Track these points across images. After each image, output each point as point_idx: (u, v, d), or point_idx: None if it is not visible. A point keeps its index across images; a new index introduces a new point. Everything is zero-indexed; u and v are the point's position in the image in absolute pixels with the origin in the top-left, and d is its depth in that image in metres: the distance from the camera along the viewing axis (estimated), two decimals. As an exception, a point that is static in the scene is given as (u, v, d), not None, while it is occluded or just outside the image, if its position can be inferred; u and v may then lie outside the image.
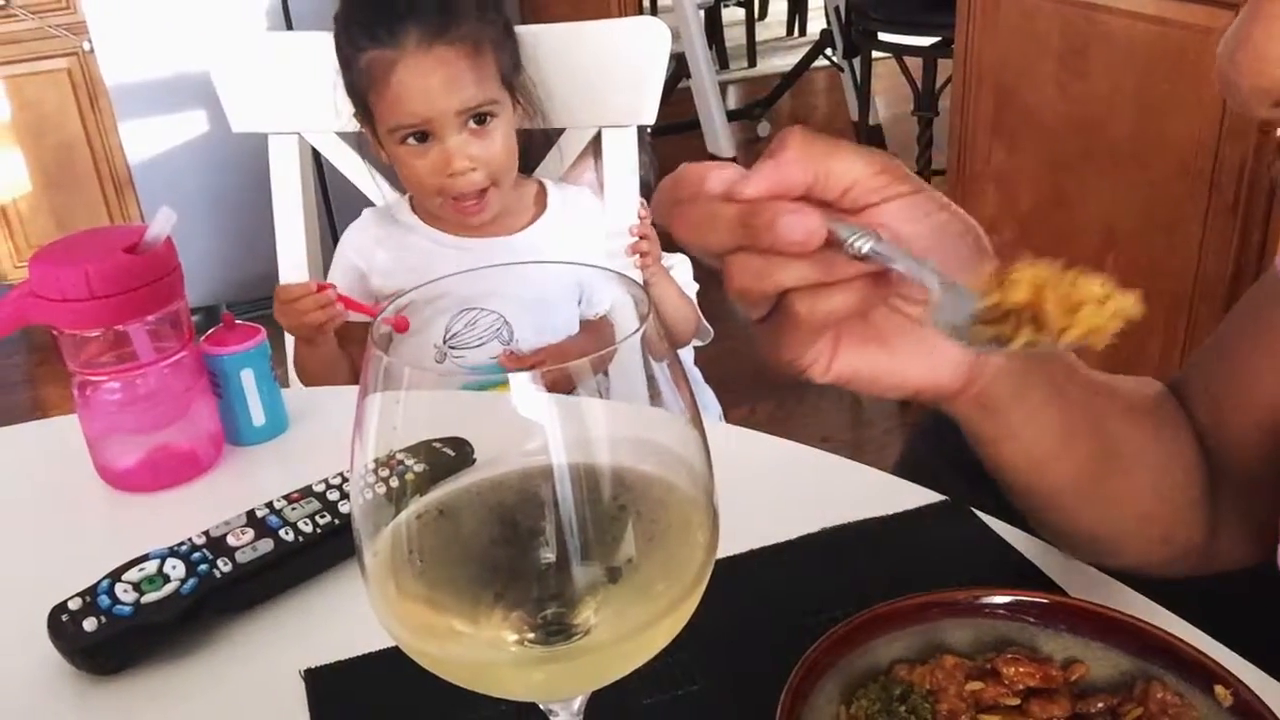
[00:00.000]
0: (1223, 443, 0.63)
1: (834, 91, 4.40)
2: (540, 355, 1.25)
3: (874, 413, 2.48)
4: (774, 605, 0.62)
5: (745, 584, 0.63)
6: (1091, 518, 0.59)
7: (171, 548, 0.65)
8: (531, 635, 0.38)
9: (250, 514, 0.68)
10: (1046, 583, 0.62)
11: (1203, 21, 1.51)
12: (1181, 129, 1.59)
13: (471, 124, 1.19)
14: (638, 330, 0.38)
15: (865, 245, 0.40)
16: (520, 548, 0.39)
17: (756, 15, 5.18)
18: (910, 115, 2.96)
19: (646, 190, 1.35)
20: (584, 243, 1.31)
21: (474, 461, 0.42)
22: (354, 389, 0.39)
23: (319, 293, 1.18)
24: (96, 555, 0.65)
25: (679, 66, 3.44)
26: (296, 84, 1.30)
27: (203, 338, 0.82)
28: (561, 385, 0.37)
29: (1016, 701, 0.49)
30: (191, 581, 0.63)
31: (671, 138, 3.60)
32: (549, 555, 0.38)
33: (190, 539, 0.66)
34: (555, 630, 0.38)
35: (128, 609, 0.61)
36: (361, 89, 1.20)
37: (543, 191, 1.33)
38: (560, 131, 1.32)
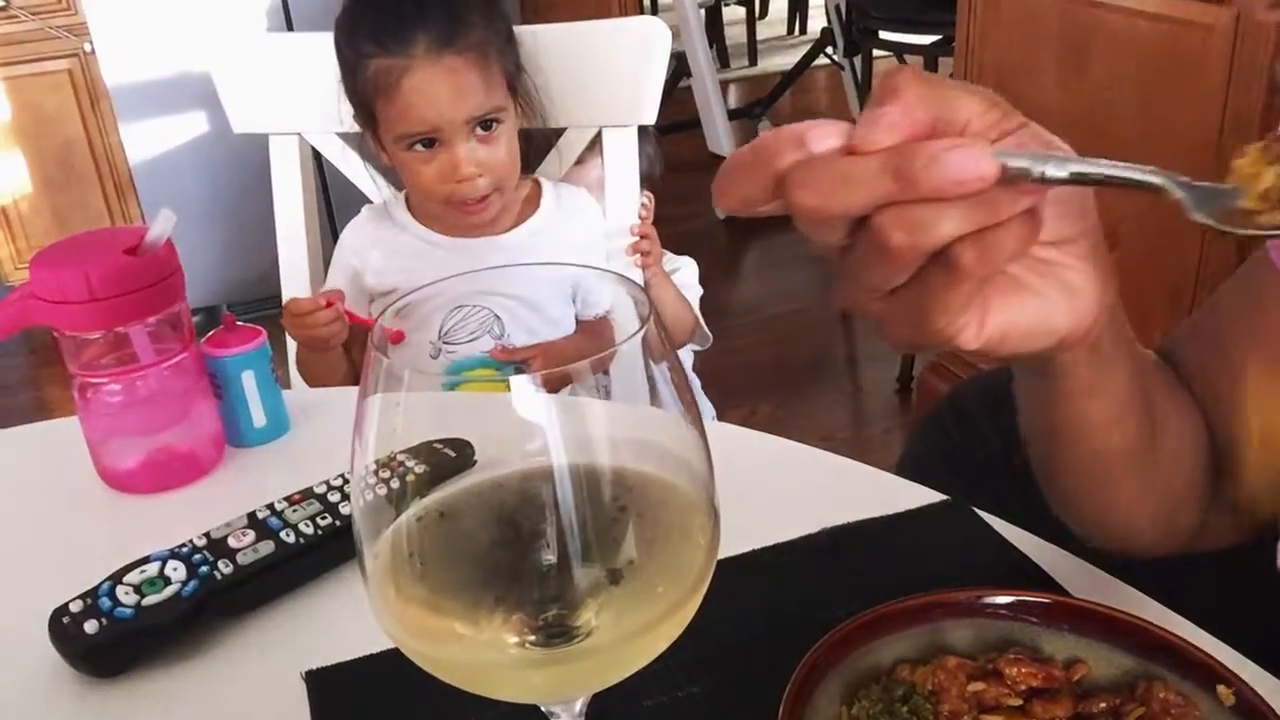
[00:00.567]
0: (1215, 428, 0.63)
1: (835, 90, 4.40)
2: (533, 351, 1.25)
3: (874, 412, 2.48)
4: (775, 606, 0.62)
5: (746, 585, 0.63)
6: (1133, 490, 0.59)
7: (172, 550, 0.65)
8: (532, 637, 0.38)
9: (251, 516, 0.68)
10: (1048, 582, 0.62)
11: (1203, 18, 1.51)
12: (1184, 125, 1.59)
13: (479, 130, 1.19)
14: (639, 331, 0.38)
15: (1062, 170, 0.37)
16: (521, 550, 0.39)
17: (757, 14, 5.18)
18: (911, 113, 2.96)
19: (651, 184, 1.35)
20: (578, 242, 1.31)
21: (475, 462, 0.42)
22: (354, 389, 0.39)
23: (328, 308, 1.18)
24: (97, 557, 0.65)
25: (680, 65, 3.44)
26: (297, 85, 1.30)
27: (203, 339, 0.82)
28: (557, 384, 0.37)
29: (1019, 702, 0.49)
30: (193, 583, 0.63)
31: (672, 137, 3.60)
32: (550, 557, 0.38)
33: (191, 541, 0.66)
34: (556, 632, 0.38)
35: (129, 611, 0.61)
36: (367, 95, 1.20)
37: (537, 190, 1.33)
38: (560, 131, 1.32)
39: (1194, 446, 0.63)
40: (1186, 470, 0.62)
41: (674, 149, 3.68)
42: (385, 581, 0.39)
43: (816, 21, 4.89)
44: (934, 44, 2.74)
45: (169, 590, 0.62)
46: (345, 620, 0.64)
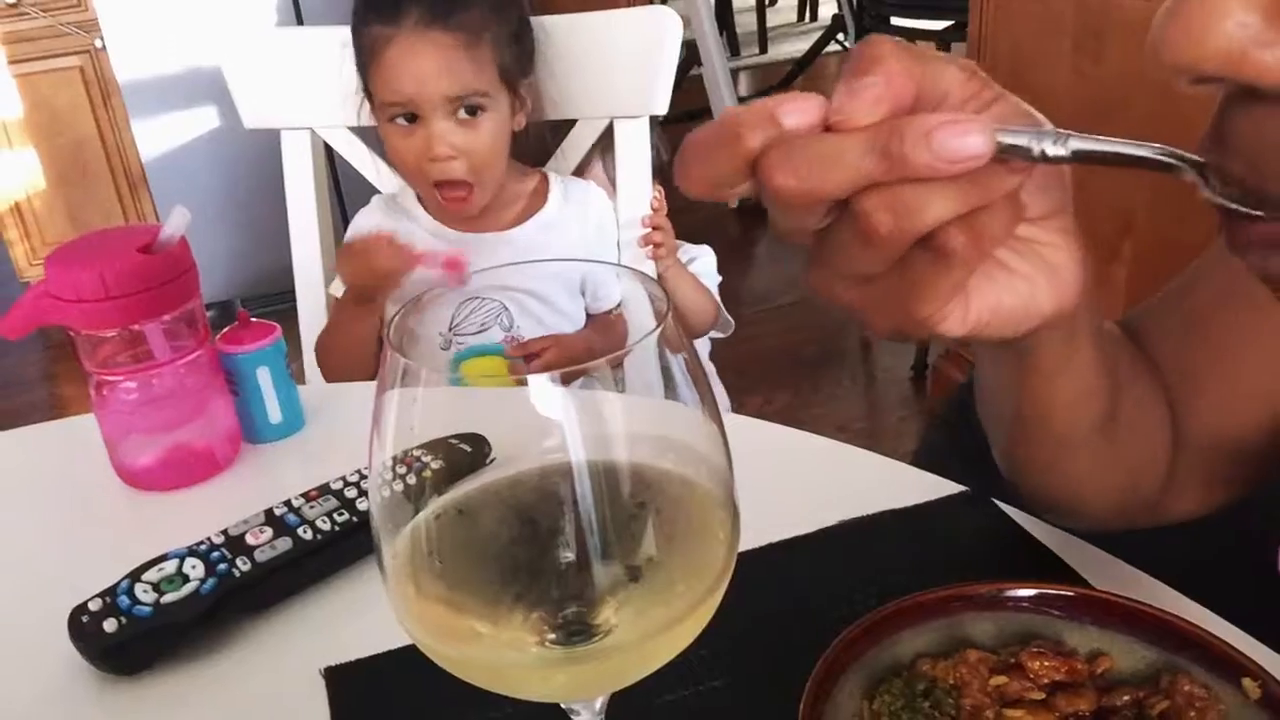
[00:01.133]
0: (1191, 407, 0.62)
1: (846, 77, 4.38)
2: (544, 342, 1.25)
3: (889, 401, 2.47)
4: (794, 600, 0.62)
5: (765, 578, 0.63)
6: (1094, 463, 0.58)
7: (190, 547, 0.65)
8: (552, 636, 0.37)
9: (268, 512, 0.68)
10: (1069, 575, 0.61)
11: (1220, 2, 1.50)
12: (1199, 112, 1.57)
13: (461, 113, 1.19)
14: (657, 328, 0.37)
15: (1063, 147, 0.34)
16: (540, 547, 0.39)
17: (767, 1, 5.15)
18: (923, 100, 2.94)
19: (662, 175, 1.35)
20: (588, 235, 1.31)
21: (491, 458, 0.42)
22: (368, 386, 0.39)
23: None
24: (115, 555, 0.65)
25: (690, 54, 3.43)
26: (308, 79, 1.30)
27: (218, 336, 0.82)
28: (570, 379, 0.36)
29: (1041, 696, 0.48)
30: (211, 581, 0.63)
31: (683, 125, 3.58)
32: (569, 554, 0.37)
33: (209, 538, 0.66)
34: (576, 631, 0.37)
35: (147, 609, 0.61)
36: (362, 64, 1.22)
37: (545, 185, 1.32)
38: (571, 123, 1.31)
39: (1155, 419, 0.62)
40: (1146, 443, 0.62)
41: (684, 138, 3.67)
42: (404, 579, 0.39)
43: (827, 8, 4.87)
44: (947, 30, 2.72)
45: (187, 588, 0.62)
46: (363, 616, 0.64)
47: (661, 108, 1.24)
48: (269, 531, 0.66)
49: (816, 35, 4.09)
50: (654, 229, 1.31)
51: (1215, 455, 0.63)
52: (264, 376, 0.82)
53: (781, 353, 2.63)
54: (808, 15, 5.29)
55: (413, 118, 1.19)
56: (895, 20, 2.84)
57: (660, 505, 0.39)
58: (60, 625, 0.61)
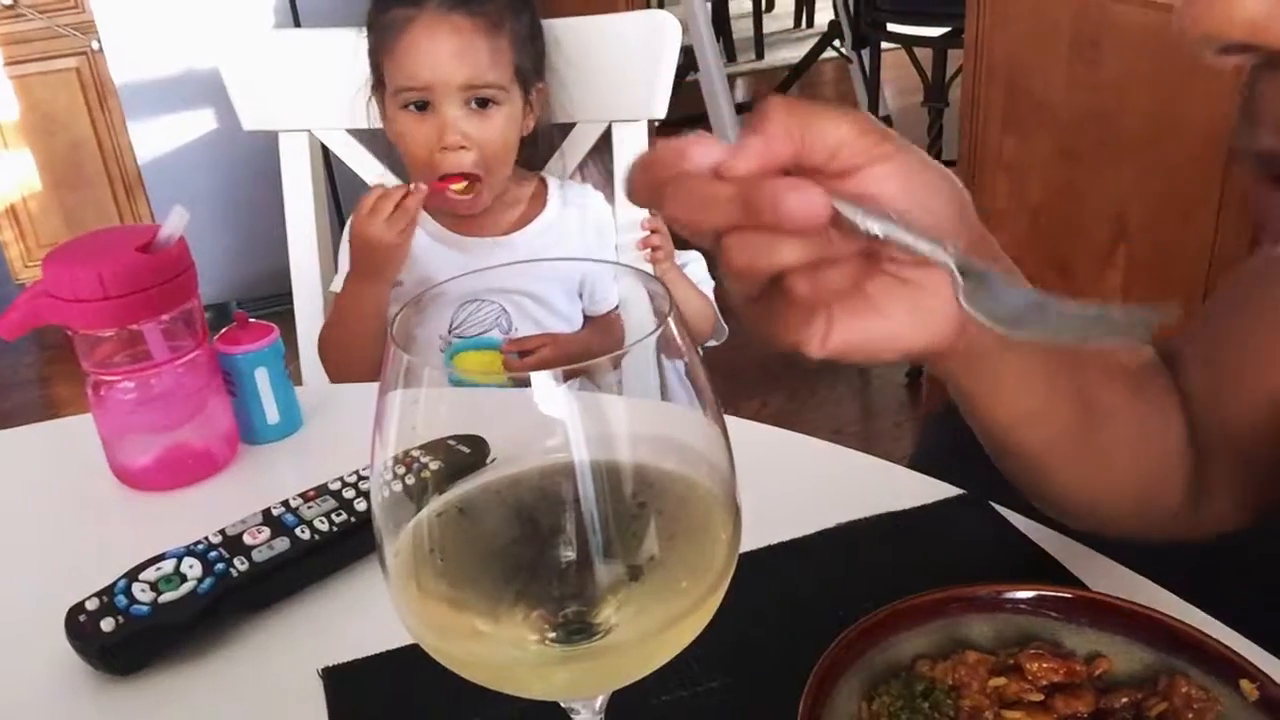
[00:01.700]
0: (1220, 414, 0.63)
1: (842, 83, 4.39)
2: (541, 339, 1.25)
3: (885, 404, 2.47)
4: (793, 601, 0.62)
5: (763, 580, 0.63)
6: (1070, 478, 0.59)
7: (188, 547, 0.65)
8: (553, 634, 0.38)
9: (266, 512, 0.68)
10: (1067, 576, 0.61)
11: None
12: (1195, 118, 1.58)
13: (474, 104, 1.19)
14: (658, 328, 0.37)
15: (876, 227, 0.40)
16: (541, 546, 0.39)
17: (764, 7, 5.16)
18: (920, 106, 2.95)
19: None
20: (586, 239, 1.31)
21: (491, 459, 0.42)
22: (366, 386, 0.39)
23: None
24: (113, 555, 0.65)
25: (687, 59, 3.43)
26: (306, 81, 1.30)
27: (216, 337, 0.82)
28: (568, 379, 0.36)
29: (1040, 697, 0.49)
30: (209, 581, 0.63)
31: (680, 130, 3.58)
32: (570, 553, 0.37)
33: (207, 538, 0.66)
34: (577, 629, 0.38)
35: (145, 609, 0.61)
36: (377, 49, 1.21)
37: (543, 189, 1.32)
38: (570, 126, 1.31)
39: (1164, 435, 0.62)
40: (1152, 459, 0.62)
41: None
42: (407, 578, 0.39)
43: (824, 14, 4.87)
44: (943, 36, 2.73)
45: (185, 588, 0.62)
46: (361, 616, 0.64)
47: (660, 111, 1.24)
48: (267, 531, 0.66)
49: (813, 41, 4.09)
50: (652, 232, 1.31)
51: (1245, 469, 0.63)
52: (262, 377, 0.82)
53: (777, 357, 2.61)
54: (804, 21, 5.30)
55: (424, 106, 1.19)
56: (891, 26, 2.85)
57: (661, 505, 0.39)
58: (57, 624, 0.61)
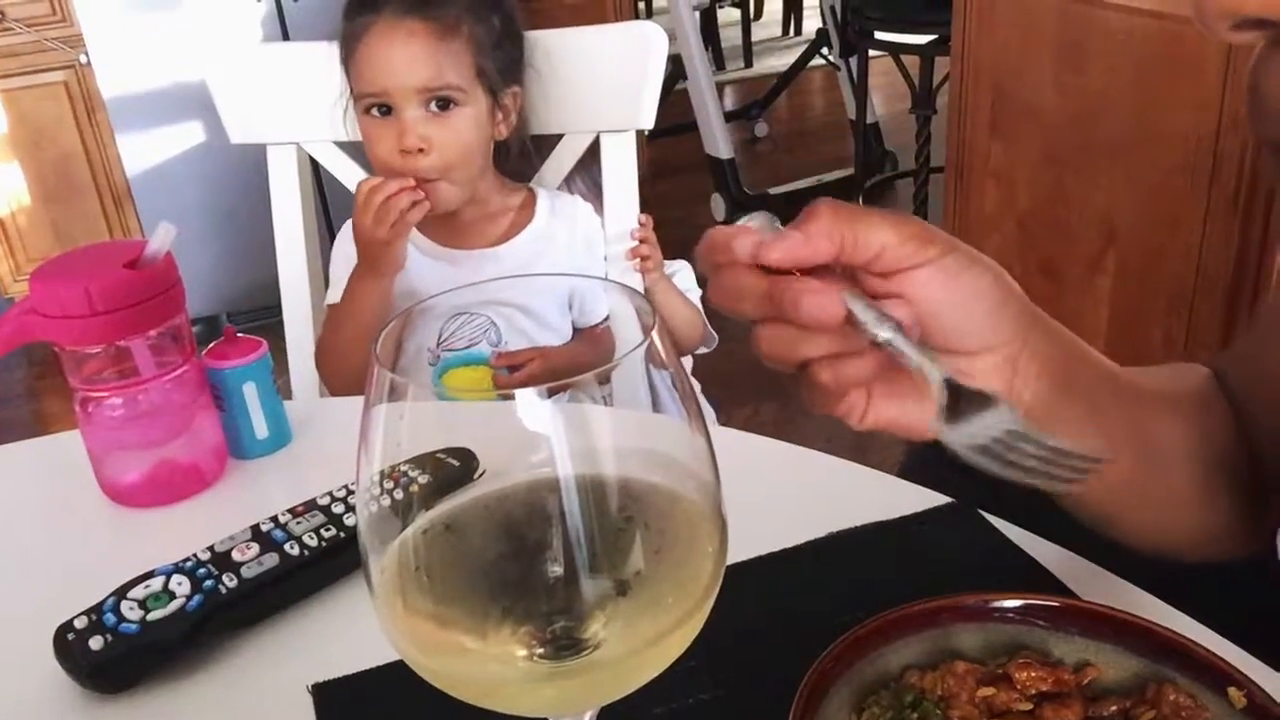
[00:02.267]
0: (1260, 434, 0.63)
1: (831, 90, 4.41)
2: (529, 353, 1.25)
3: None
4: (783, 612, 0.62)
5: (754, 591, 0.63)
6: (1135, 521, 0.60)
7: (177, 564, 0.65)
8: (541, 650, 0.37)
9: (255, 528, 0.68)
10: (1055, 585, 0.62)
11: (1200, 15, 1.51)
12: (1181, 123, 1.59)
13: (433, 106, 1.19)
14: (644, 342, 0.37)
15: (883, 335, 0.44)
16: (527, 561, 0.39)
17: (752, 15, 5.19)
18: (908, 113, 2.96)
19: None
20: (575, 249, 1.31)
21: (480, 471, 0.42)
22: (356, 400, 0.39)
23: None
24: (101, 572, 0.65)
25: (675, 68, 3.44)
26: (294, 94, 1.30)
27: (204, 351, 0.82)
28: (557, 393, 0.36)
29: (1029, 706, 0.49)
30: (197, 598, 0.62)
31: (669, 139, 3.60)
32: (557, 569, 0.37)
33: (195, 555, 0.66)
34: (565, 645, 0.37)
35: (134, 627, 0.61)
36: (345, 59, 1.22)
37: (531, 199, 1.32)
38: (557, 138, 1.31)
39: (1225, 454, 0.63)
40: (1212, 484, 0.63)
41: (671, 151, 3.69)
42: (392, 595, 0.39)
43: (812, 22, 4.90)
44: (930, 43, 2.74)
45: (174, 605, 0.62)
46: (351, 632, 0.64)
47: (648, 122, 1.24)
48: (256, 548, 0.66)
49: (801, 49, 4.11)
50: (641, 242, 1.31)
51: None
52: (250, 392, 0.82)
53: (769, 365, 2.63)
54: (792, 29, 5.32)
55: (387, 111, 1.20)
56: (879, 34, 2.86)
57: (648, 519, 0.39)
58: (45, 643, 0.61)
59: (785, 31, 5.34)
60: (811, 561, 0.66)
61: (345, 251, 1.30)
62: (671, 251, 1.49)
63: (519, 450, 0.38)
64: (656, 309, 0.39)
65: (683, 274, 1.58)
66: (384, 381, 0.37)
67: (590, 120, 1.27)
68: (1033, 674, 0.49)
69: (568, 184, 1.37)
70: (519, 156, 1.31)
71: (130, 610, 0.61)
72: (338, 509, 0.70)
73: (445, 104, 1.19)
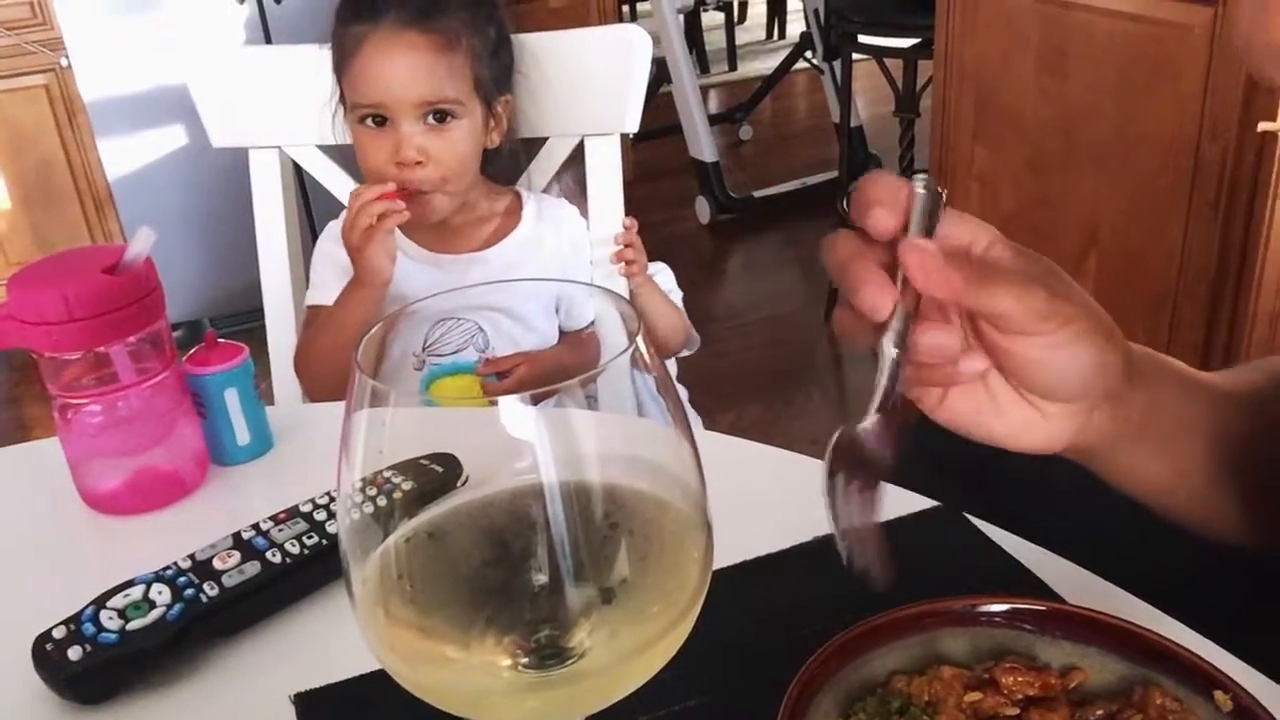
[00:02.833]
0: None
1: (815, 94, 4.41)
2: (516, 359, 1.24)
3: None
4: (769, 618, 0.62)
5: (739, 597, 0.63)
6: (1219, 526, 0.61)
7: (157, 572, 0.64)
8: (525, 660, 0.37)
9: (236, 536, 0.67)
10: (1042, 589, 0.61)
11: (1182, 19, 1.52)
12: (1163, 127, 1.60)
13: (431, 119, 1.18)
14: (628, 348, 0.37)
15: (886, 350, 0.48)
16: (511, 570, 0.38)
17: (736, 19, 5.19)
18: (892, 116, 2.96)
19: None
20: (562, 253, 1.30)
21: (464, 478, 0.41)
22: (338, 406, 0.38)
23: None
24: (80, 581, 0.64)
25: (660, 71, 3.44)
26: (276, 98, 1.29)
27: (185, 357, 0.81)
28: (542, 399, 0.36)
29: (1015, 711, 0.48)
30: (178, 607, 0.62)
31: (653, 142, 3.60)
32: (541, 577, 0.37)
33: (176, 563, 0.65)
34: (549, 654, 0.37)
35: (113, 636, 0.60)
36: (338, 65, 1.21)
37: (518, 203, 1.32)
38: (542, 141, 1.31)
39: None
40: None
41: (655, 154, 3.69)
42: (374, 605, 0.38)
43: (795, 26, 4.91)
44: (913, 47, 2.74)
45: (154, 614, 0.61)
46: (334, 641, 0.63)
47: (632, 125, 1.24)
48: (237, 555, 0.66)
49: (785, 53, 4.11)
50: (626, 246, 1.30)
51: None
52: (231, 398, 0.82)
53: (753, 367, 2.64)
54: (776, 33, 5.32)
55: (382, 121, 1.19)
56: (862, 38, 2.86)
57: (633, 526, 0.39)
58: (24, 653, 0.60)
59: (769, 35, 5.35)
60: (798, 566, 0.66)
61: (326, 250, 1.29)
62: (657, 253, 1.49)
63: (503, 457, 0.38)
64: (641, 313, 0.39)
65: (662, 275, 1.57)
66: (365, 387, 0.37)
67: (575, 123, 1.27)
68: (1019, 678, 0.49)
69: (554, 187, 1.37)
70: (508, 161, 1.31)
71: (110, 620, 0.61)
72: (320, 516, 0.69)
73: (443, 117, 1.18)
